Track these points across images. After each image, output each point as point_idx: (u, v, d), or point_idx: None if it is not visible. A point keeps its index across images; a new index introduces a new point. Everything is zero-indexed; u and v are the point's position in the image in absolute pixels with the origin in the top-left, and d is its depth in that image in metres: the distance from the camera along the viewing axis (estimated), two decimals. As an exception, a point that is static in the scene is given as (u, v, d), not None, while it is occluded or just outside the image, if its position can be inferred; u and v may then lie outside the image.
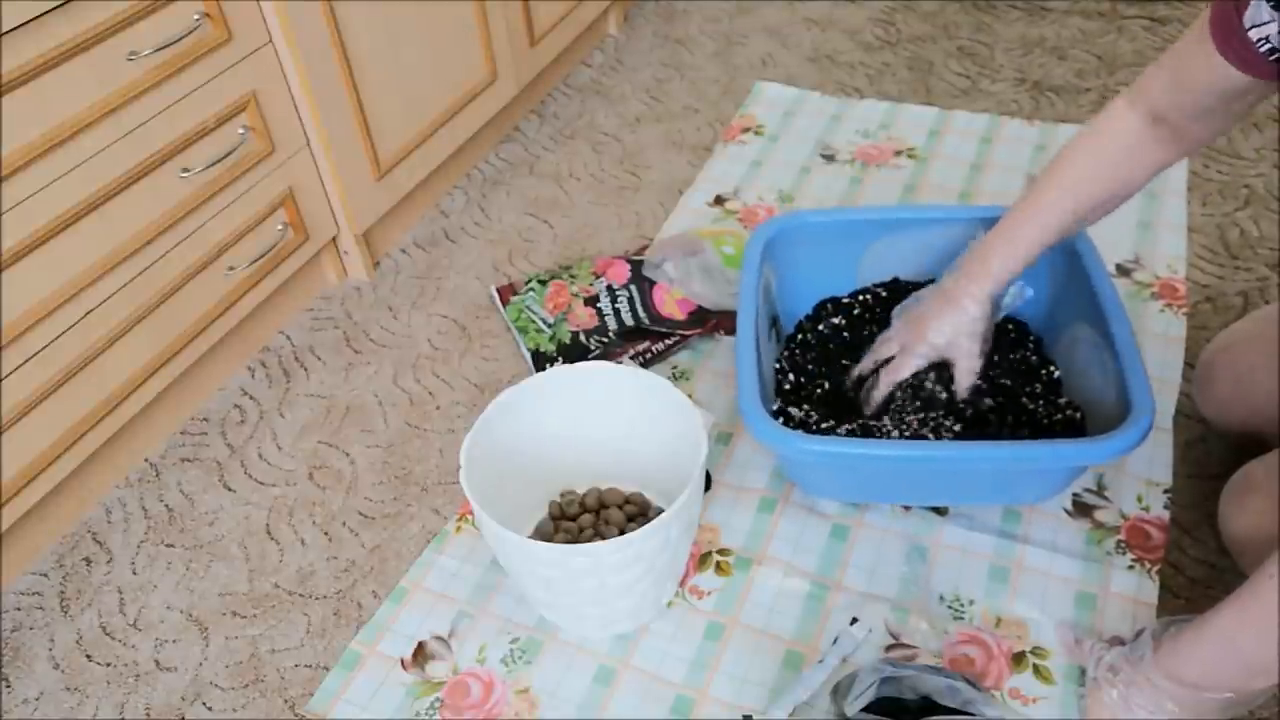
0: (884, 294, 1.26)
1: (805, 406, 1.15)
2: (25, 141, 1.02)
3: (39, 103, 1.02)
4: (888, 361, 1.10)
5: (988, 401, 1.12)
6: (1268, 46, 0.75)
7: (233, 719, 1.03)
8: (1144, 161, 0.94)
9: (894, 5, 2.14)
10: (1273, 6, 0.73)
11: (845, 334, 1.23)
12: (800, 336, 1.25)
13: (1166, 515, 1.10)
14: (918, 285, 1.25)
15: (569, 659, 1.03)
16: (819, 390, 1.17)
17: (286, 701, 1.04)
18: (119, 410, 1.20)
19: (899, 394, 1.09)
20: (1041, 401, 1.12)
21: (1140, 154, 0.94)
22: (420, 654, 1.06)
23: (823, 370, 1.20)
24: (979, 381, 1.07)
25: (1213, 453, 1.17)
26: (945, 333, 1.05)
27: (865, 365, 1.13)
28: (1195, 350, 1.28)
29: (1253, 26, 0.75)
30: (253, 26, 1.24)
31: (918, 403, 1.08)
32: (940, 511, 1.12)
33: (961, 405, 1.08)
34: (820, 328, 1.25)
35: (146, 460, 1.31)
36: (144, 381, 1.23)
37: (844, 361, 1.20)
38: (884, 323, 1.21)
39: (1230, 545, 1.00)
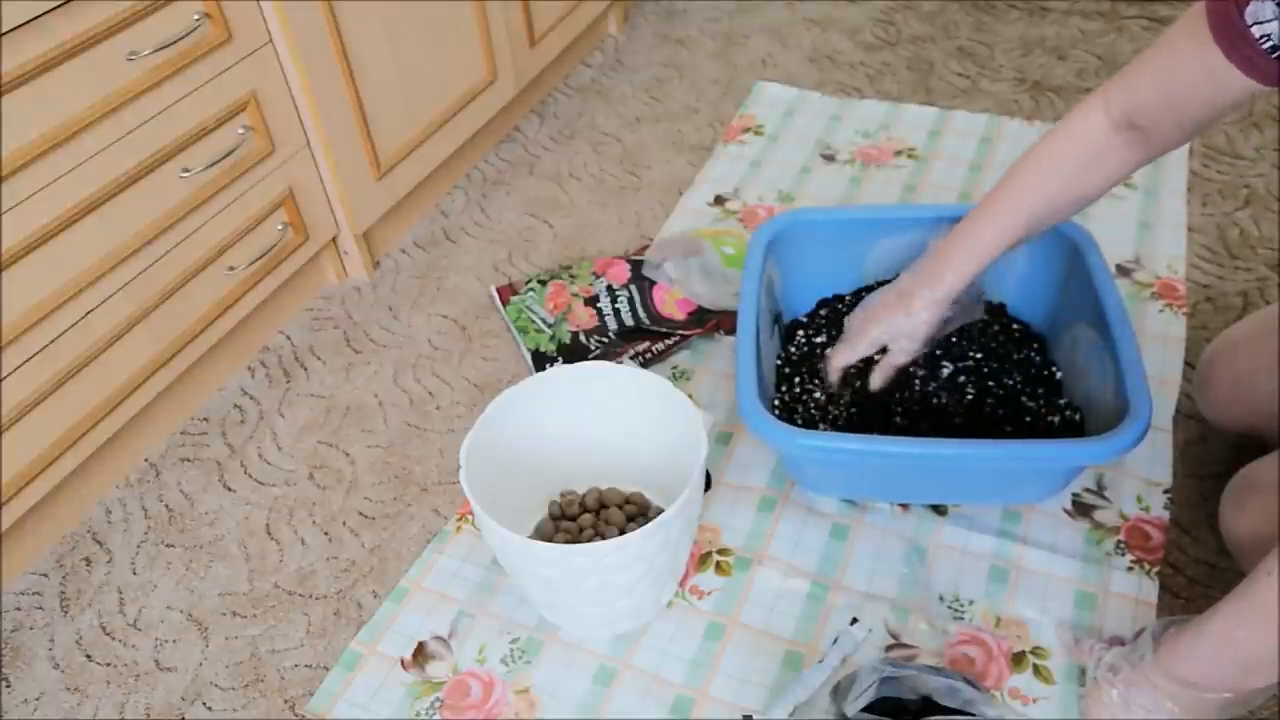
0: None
1: (803, 399, 1.15)
2: (25, 141, 1.02)
3: (39, 103, 1.02)
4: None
5: (989, 401, 1.13)
6: (1270, 44, 0.74)
7: (233, 719, 1.03)
8: (1109, 168, 0.92)
9: (894, 5, 2.14)
10: (1277, 2, 0.72)
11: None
12: (801, 334, 1.25)
13: (1166, 515, 1.10)
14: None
15: (569, 659, 1.03)
16: (818, 387, 1.17)
17: (286, 701, 1.04)
18: (119, 410, 1.20)
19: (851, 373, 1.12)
20: (1042, 402, 1.12)
21: (1106, 160, 0.92)
22: (420, 654, 1.06)
23: (822, 368, 1.20)
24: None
25: (1213, 453, 1.17)
26: (888, 331, 1.05)
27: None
28: (1195, 350, 1.28)
29: (1255, 24, 0.74)
30: (253, 26, 1.24)
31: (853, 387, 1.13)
32: (940, 511, 1.13)
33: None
34: (822, 326, 1.25)
35: (146, 460, 1.31)
36: (144, 381, 1.23)
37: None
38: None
39: (1231, 546, 1.00)
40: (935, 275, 1.01)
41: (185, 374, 1.31)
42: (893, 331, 1.05)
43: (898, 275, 1.26)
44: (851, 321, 1.10)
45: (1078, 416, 1.10)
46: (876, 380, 1.09)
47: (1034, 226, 0.98)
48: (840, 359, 1.09)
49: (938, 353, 1.16)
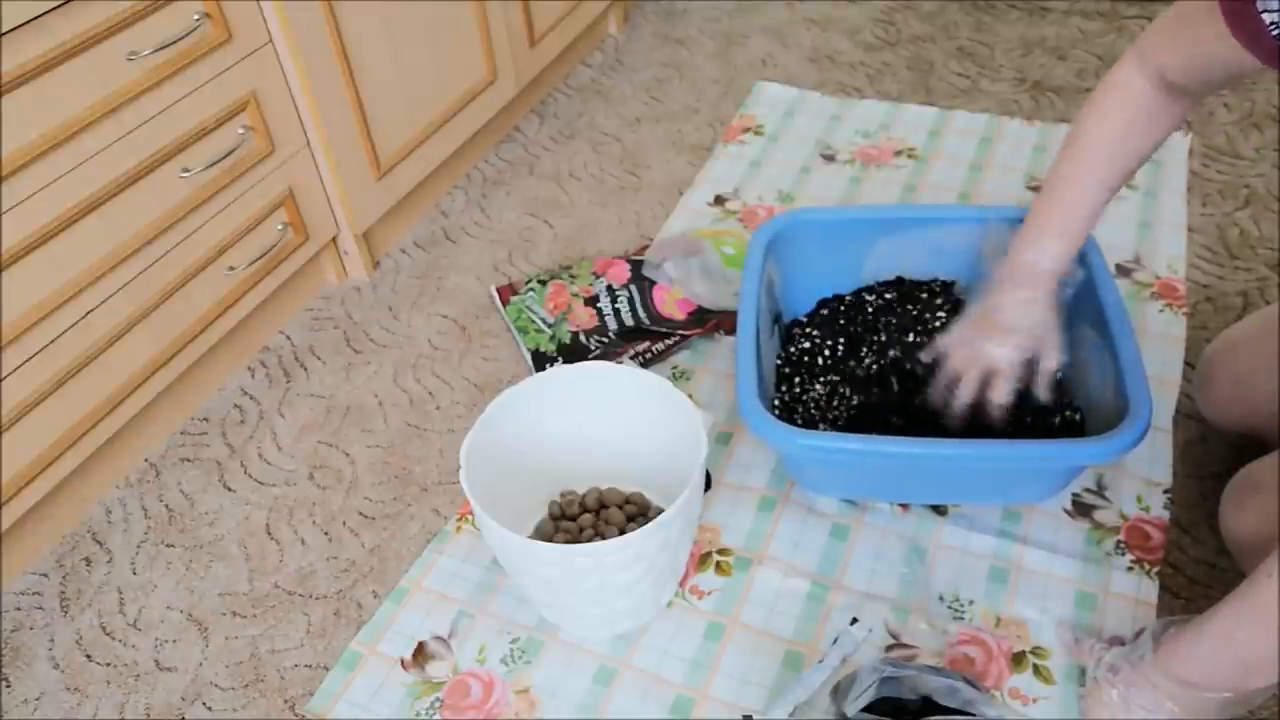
0: (888, 294, 1.26)
1: (803, 399, 1.15)
2: (25, 141, 1.02)
3: (39, 103, 1.02)
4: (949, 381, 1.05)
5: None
6: (1278, 31, 0.74)
7: (233, 719, 1.03)
8: (1161, 124, 0.94)
9: (894, 5, 2.14)
10: None
11: (847, 331, 1.23)
12: (800, 334, 1.25)
13: (1166, 515, 1.10)
14: (921, 284, 1.25)
15: (569, 659, 1.03)
16: (819, 387, 1.17)
17: (286, 701, 1.04)
18: (119, 410, 1.20)
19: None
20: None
21: (1158, 118, 0.93)
22: (420, 654, 1.06)
23: (822, 369, 1.20)
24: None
25: (1213, 453, 1.17)
26: (1030, 345, 1.01)
27: (940, 393, 1.06)
28: (1195, 350, 1.28)
29: (1265, 10, 0.74)
30: (253, 26, 1.24)
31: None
32: (940, 511, 1.13)
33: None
34: (819, 326, 1.25)
35: (146, 460, 1.31)
36: (144, 381, 1.23)
37: (850, 350, 1.20)
38: (886, 320, 1.21)
39: (1231, 546, 1.00)
40: (1039, 266, 1.00)
41: (185, 374, 1.31)
42: (1034, 341, 1.01)
43: (899, 277, 1.27)
44: (957, 343, 1.04)
45: (1078, 416, 1.10)
46: (1044, 394, 1.03)
47: (1113, 190, 0.98)
48: (1000, 396, 1.02)
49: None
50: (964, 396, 1.03)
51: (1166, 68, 0.89)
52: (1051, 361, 1.02)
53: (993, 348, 1.02)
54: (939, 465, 1.03)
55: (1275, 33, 0.74)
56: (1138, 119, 0.94)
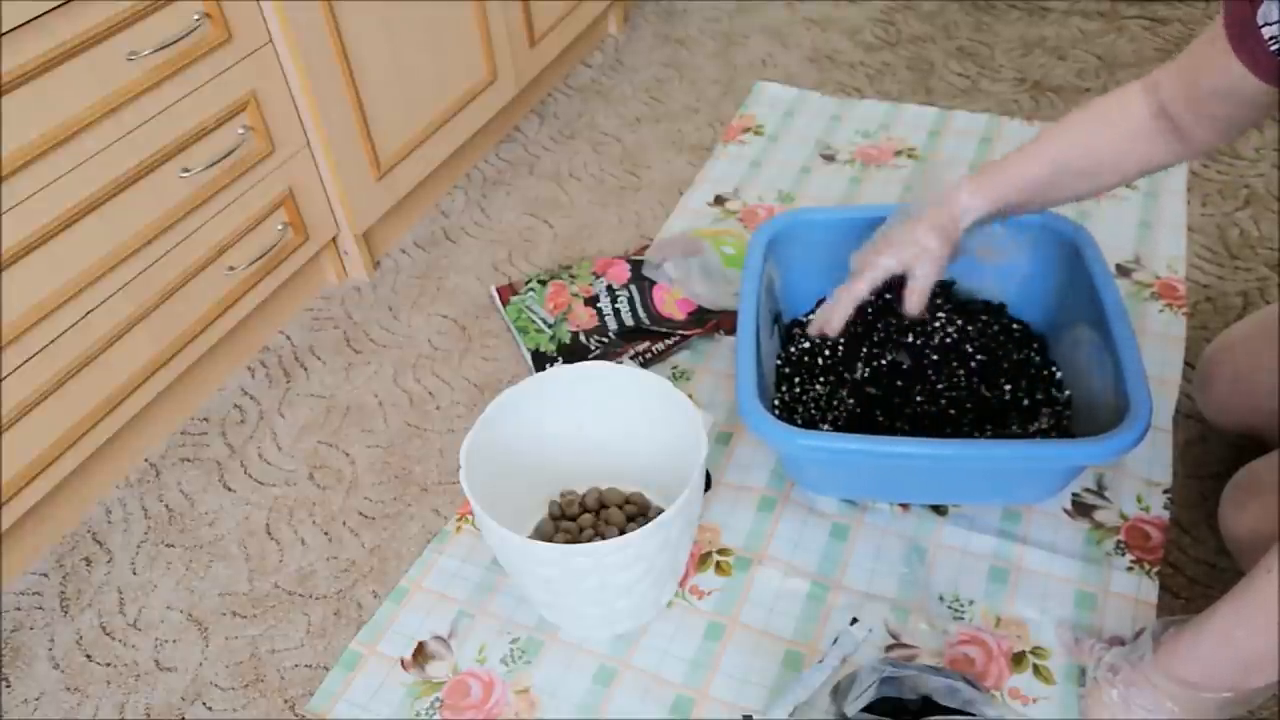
0: (888, 294, 1.25)
1: (803, 399, 1.15)
2: (25, 141, 1.02)
3: (39, 103, 1.02)
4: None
5: (987, 397, 1.13)
6: (1277, 46, 0.75)
7: (233, 719, 1.03)
8: (1140, 150, 0.93)
9: (894, 5, 2.14)
10: None
11: (847, 331, 1.23)
12: (800, 334, 1.25)
13: (1166, 515, 1.10)
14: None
15: (569, 659, 1.03)
16: (819, 387, 1.17)
17: (286, 701, 1.04)
18: (119, 410, 1.20)
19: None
20: (1040, 397, 1.12)
21: (1139, 141, 0.92)
22: (420, 654, 1.06)
23: (822, 369, 1.20)
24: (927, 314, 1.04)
25: (1213, 453, 1.17)
26: (902, 259, 1.00)
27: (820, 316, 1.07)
28: (1195, 350, 1.28)
29: (1265, 24, 0.74)
30: (253, 26, 1.24)
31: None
32: (940, 511, 1.13)
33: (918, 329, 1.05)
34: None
35: (146, 460, 1.31)
36: (144, 381, 1.23)
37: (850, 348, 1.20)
38: (886, 321, 1.22)
39: (1231, 545, 1.00)
40: (950, 199, 0.98)
41: (185, 374, 1.31)
42: (906, 258, 1.00)
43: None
44: (858, 258, 1.05)
45: (1066, 413, 1.10)
46: (914, 305, 1.02)
47: (1059, 176, 0.96)
48: (855, 292, 1.02)
49: (935, 358, 1.16)
50: (835, 319, 1.04)
51: (1168, 95, 0.88)
52: (919, 281, 1.00)
53: (859, 276, 1.02)
54: (939, 465, 1.03)
55: (1274, 48, 0.74)
56: (1122, 132, 0.92)
